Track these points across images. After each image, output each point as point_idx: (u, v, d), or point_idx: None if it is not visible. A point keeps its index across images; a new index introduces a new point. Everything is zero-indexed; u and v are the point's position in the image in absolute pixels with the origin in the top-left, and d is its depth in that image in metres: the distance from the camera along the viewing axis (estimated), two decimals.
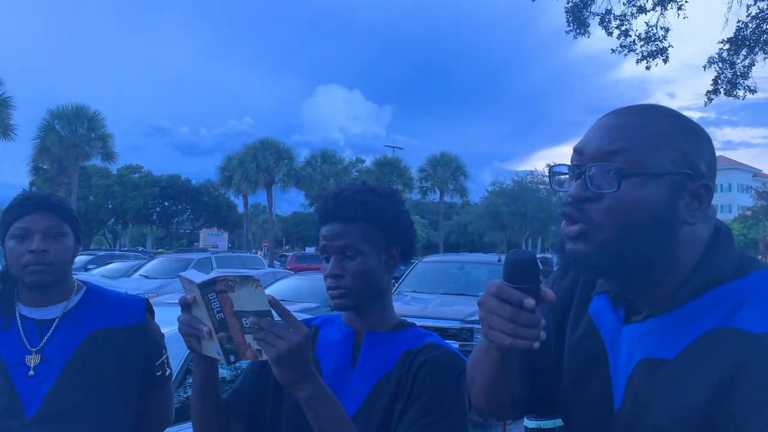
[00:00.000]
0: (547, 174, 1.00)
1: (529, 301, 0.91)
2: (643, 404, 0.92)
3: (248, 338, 1.20)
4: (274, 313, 1.19)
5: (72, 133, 34.45)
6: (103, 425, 1.67)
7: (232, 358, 1.21)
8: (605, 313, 1.02)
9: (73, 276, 1.82)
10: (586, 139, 0.96)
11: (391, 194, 1.44)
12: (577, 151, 0.97)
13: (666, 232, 0.90)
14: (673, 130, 0.93)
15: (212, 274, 1.22)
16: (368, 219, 1.38)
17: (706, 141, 0.95)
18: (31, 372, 1.64)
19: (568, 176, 0.98)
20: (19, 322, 1.70)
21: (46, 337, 1.69)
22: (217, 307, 1.18)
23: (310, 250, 45.53)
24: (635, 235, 0.90)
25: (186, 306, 1.23)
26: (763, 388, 0.79)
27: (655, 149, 0.91)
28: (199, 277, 1.21)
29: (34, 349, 1.67)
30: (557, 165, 1.00)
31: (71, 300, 1.75)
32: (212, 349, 1.22)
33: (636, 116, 0.95)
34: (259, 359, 1.21)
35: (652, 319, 0.93)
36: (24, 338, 1.68)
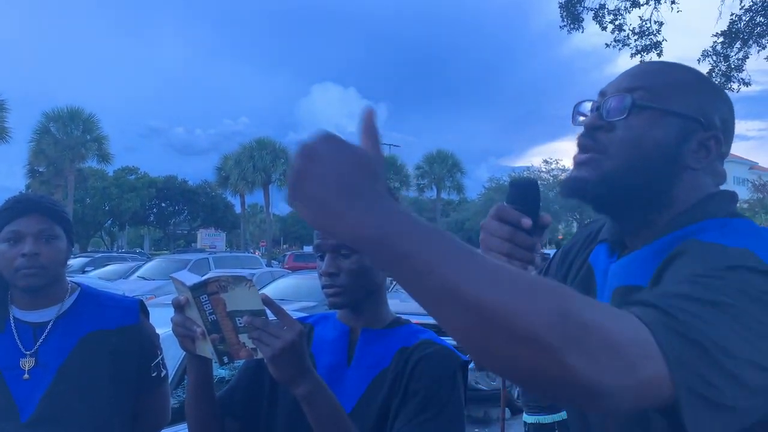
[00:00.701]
0: (572, 114, 1.04)
1: (526, 221, 0.95)
2: None
3: (243, 337, 1.20)
4: (268, 311, 1.20)
5: (67, 136, 34.42)
6: (98, 427, 1.66)
7: (225, 359, 1.21)
8: (601, 257, 1.06)
9: (67, 278, 1.82)
10: (611, 82, 1.00)
11: None
12: (601, 93, 1.00)
13: (668, 170, 0.94)
14: (694, 81, 0.97)
15: (205, 276, 1.22)
16: None
17: (725, 101, 0.99)
18: (26, 375, 1.64)
19: (585, 114, 1.02)
20: (13, 325, 1.69)
21: (40, 340, 1.68)
22: (209, 309, 1.19)
23: (308, 249, 45.56)
24: (639, 167, 0.93)
25: (179, 307, 1.24)
26: (683, 264, 0.82)
27: (673, 92, 0.95)
28: (190, 279, 1.21)
29: (28, 352, 1.66)
30: (581, 102, 1.04)
31: (65, 302, 1.75)
32: (206, 349, 1.23)
33: (662, 65, 1.02)
34: (255, 358, 1.21)
35: (633, 253, 0.97)
36: (18, 341, 1.67)
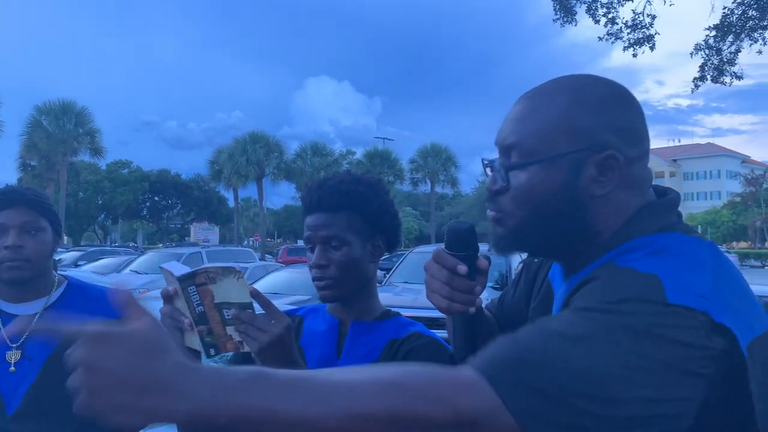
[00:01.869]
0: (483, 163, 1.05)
1: (462, 268, 1.01)
2: None
3: (230, 330, 1.19)
4: (256, 304, 1.19)
5: (60, 129, 34.27)
6: (85, 421, 1.64)
7: (212, 351, 1.20)
8: (557, 275, 1.05)
9: (54, 271, 1.80)
10: (499, 130, 0.99)
11: (375, 184, 1.44)
12: (496, 144, 1.00)
13: (573, 207, 0.91)
14: (568, 107, 0.92)
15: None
16: (353, 209, 1.37)
17: (615, 108, 0.93)
18: (12, 368, 1.63)
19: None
20: None
21: (26, 333, 1.67)
22: (197, 301, 1.18)
23: (302, 243, 45.38)
24: (541, 217, 0.93)
25: (168, 298, 1.23)
26: (584, 292, 0.83)
27: (546, 135, 0.92)
28: (179, 269, 1.20)
29: (14, 345, 1.65)
30: (485, 160, 1.04)
31: (52, 295, 1.73)
32: (194, 341, 1.22)
33: (534, 100, 0.96)
34: (242, 351, 1.20)
35: (569, 279, 0.97)
36: (4, 334, 1.65)
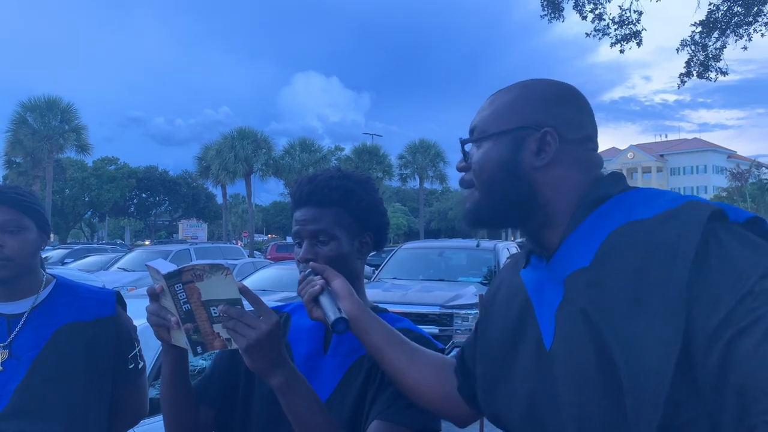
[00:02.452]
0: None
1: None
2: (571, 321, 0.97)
3: (217, 327, 1.19)
4: (245, 301, 1.19)
5: (45, 126, 33.94)
6: (73, 420, 1.64)
7: (199, 350, 1.20)
8: (530, 275, 1.11)
9: (42, 270, 1.79)
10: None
11: (365, 181, 1.44)
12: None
13: (518, 178, 1.06)
14: (517, 97, 1.10)
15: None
16: (342, 204, 1.37)
17: (557, 101, 1.09)
18: (0, 368, 1.62)
19: None
20: None
21: (14, 332, 1.66)
22: (183, 298, 1.17)
23: (291, 239, 45.24)
24: (494, 188, 1.08)
25: (154, 296, 1.22)
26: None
27: (496, 118, 1.09)
28: (165, 267, 1.19)
29: (1, 344, 1.64)
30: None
31: (40, 294, 1.73)
32: (181, 339, 1.21)
33: (495, 96, 1.14)
34: (229, 348, 1.20)
35: (561, 246, 1.03)
36: None
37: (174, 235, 51.63)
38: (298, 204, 1.40)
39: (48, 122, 34.06)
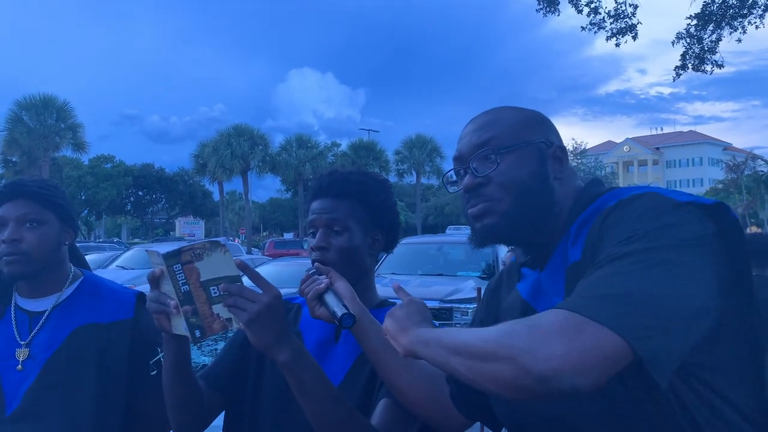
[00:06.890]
0: (442, 182, 1.19)
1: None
2: None
3: (217, 308, 1.17)
4: (245, 278, 1.19)
5: (41, 124, 33.89)
6: (81, 426, 1.56)
7: (197, 333, 1.17)
8: (526, 279, 1.16)
9: (70, 266, 1.73)
10: (458, 147, 1.17)
11: (383, 181, 1.49)
12: (456, 159, 1.17)
13: (547, 189, 1.10)
14: (519, 118, 1.15)
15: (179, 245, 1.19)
16: (359, 198, 1.40)
17: (547, 122, 1.18)
18: (20, 366, 1.57)
19: (456, 180, 1.19)
20: (12, 313, 1.63)
21: (34, 331, 1.61)
22: (182, 279, 1.16)
23: (289, 236, 45.33)
24: (527, 197, 1.09)
25: (154, 281, 1.21)
26: (615, 219, 0.97)
27: (513, 131, 1.13)
28: (165, 248, 1.19)
29: (23, 343, 1.59)
30: (448, 171, 1.22)
31: (64, 291, 1.67)
32: (181, 326, 1.19)
33: (488, 116, 1.17)
34: (229, 328, 1.19)
35: (559, 246, 1.09)
36: (15, 331, 1.61)
37: (171, 233, 51.50)
38: (317, 195, 1.43)
39: (44, 121, 34.03)
